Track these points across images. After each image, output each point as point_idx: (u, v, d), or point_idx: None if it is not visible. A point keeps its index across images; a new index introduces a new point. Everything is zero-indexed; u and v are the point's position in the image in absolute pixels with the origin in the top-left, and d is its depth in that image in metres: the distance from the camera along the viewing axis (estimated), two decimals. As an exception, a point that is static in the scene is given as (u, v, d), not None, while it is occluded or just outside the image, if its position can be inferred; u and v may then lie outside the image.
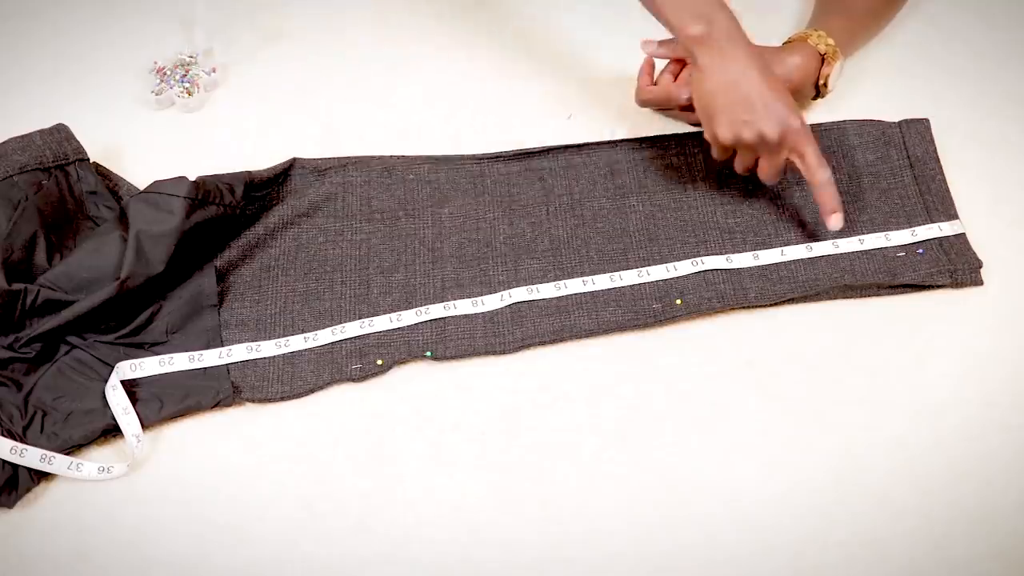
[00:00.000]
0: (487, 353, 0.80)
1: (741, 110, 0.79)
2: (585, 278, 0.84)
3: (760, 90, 0.79)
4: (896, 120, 0.92)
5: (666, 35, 0.90)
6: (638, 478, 0.74)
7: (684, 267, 0.84)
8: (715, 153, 0.84)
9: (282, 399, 0.78)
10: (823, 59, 0.90)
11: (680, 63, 0.92)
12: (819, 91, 0.92)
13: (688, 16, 0.79)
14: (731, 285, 0.82)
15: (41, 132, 0.86)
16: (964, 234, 0.84)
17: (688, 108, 0.91)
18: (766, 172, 0.83)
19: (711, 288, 0.82)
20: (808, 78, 0.90)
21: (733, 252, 0.85)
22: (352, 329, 0.81)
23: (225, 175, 0.84)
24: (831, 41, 0.89)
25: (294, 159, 0.90)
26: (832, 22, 0.92)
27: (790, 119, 0.79)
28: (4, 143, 0.85)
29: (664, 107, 0.93)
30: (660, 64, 0.92)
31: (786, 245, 0.85)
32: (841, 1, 0.94)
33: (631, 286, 0.83)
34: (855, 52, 0.96)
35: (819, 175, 0.80)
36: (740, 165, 0.84)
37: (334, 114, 0.97)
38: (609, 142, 0.92)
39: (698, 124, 0.93)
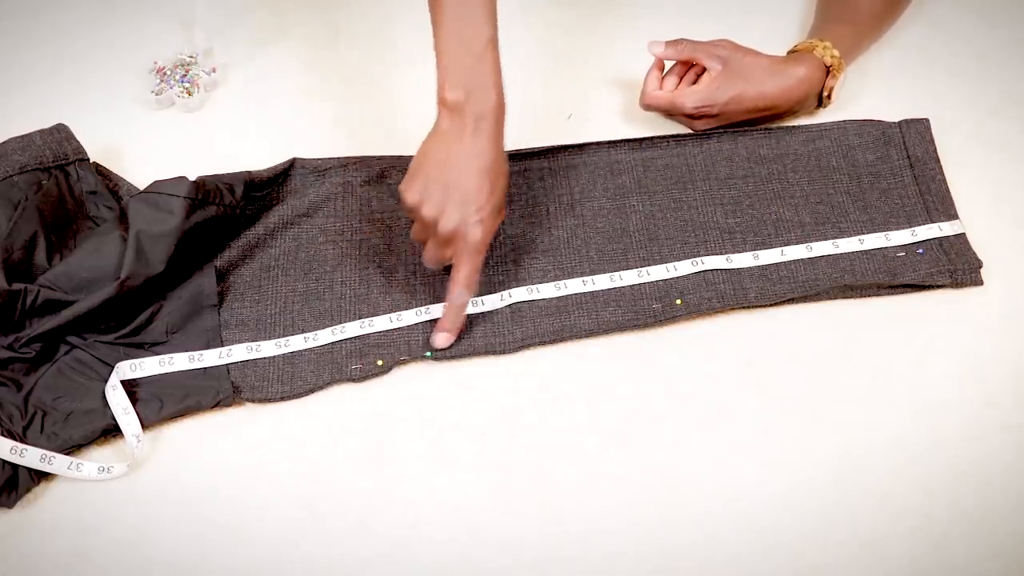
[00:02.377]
0: (487, 353, 0.80)
1: (438, 187, 0.75)
2: (585, 278, 0.84)
3: (470, 183, 0.75)
4: (896, 120, 0.92)
5: (672, 34, 0.90)
6: (638, 478, 0.74)
7: (684, 267, 0.84)
8: (404, 208, 0.79)
9: (282, 399, 0.78)
10: (828, 71, 0.90)
11: (686, 65, 0.92)
12: (822, 101, 0.92)
13: (455, 78, 0.75)
14: (731, 285, 0.82)
15: (41, 132, 0.86)
16: (964, 234, 0.85)
17: (692, 116, 0.91)
18: (427, 255, 0.79)
19: (711, 288, 0.82)
20: (813, 90, 0.90)
21: (733, 252, 0.85)
22: (352, 329, 0.81)
23: (225, 175, 0.84)
24: (836, 53, 0.89)
25: (294, 159, 0.90)
26: (836, 29, 0.92)
27: (472, 227, 0.75)
28: (4, 143, 0.85)
29: (668, 113, 0.93)
30: (669, 65, 0.93)
31: (786, 245, 0.85)
32: (845, 8, 0.94)
33: (631, 286, 0.83)
34: (858, 57, 0.96)
35: (455, 296, 0.77)
36: (413, 232, 0.80)
37: (334, 114, 0.97)
38: (609, 142, 0.92)
39: (702, 131, 0.93)
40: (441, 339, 0.79)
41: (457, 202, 0.75)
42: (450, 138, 0.76)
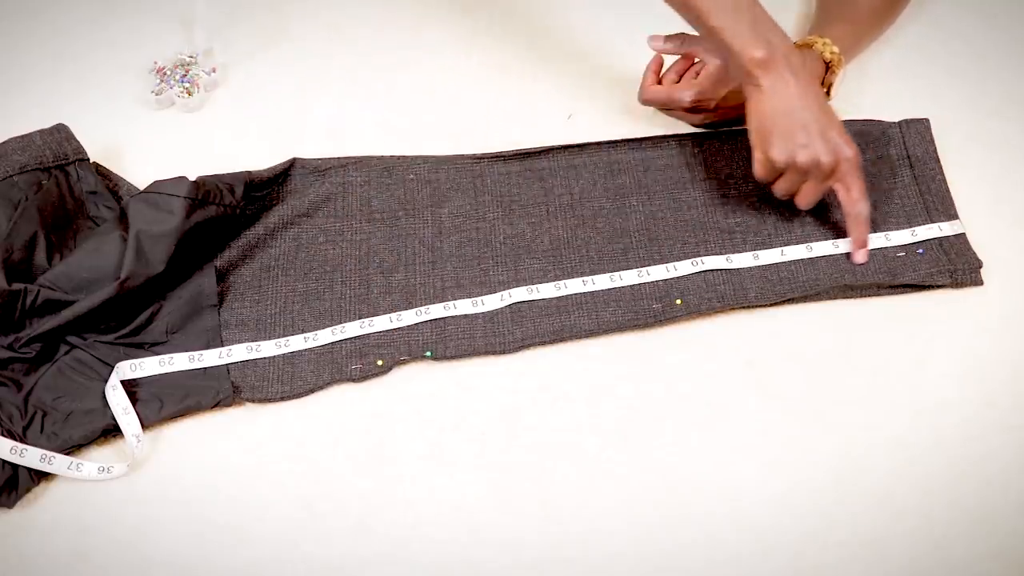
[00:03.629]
0: (487, 353, 0.80)
1: (800, 134, 0.79)
2: (585, 278, 0.84)
3: (819, 117, 0.79)
4: (896, 120, 0.92)
5: (672, 31, 0.90)
6: (638, 478, 0.74)
7: (684, 267, 0.84)
8: (760, 172, 0.83)
9: (282, 399, 0.78)
10: (828, 67, 0.90)
11: (686, 61, 0.92)
12: None
13: (750, 39, 0.79)
14: (731, 285, 0.82)
15: (41, 132, 0.86)
16: (964, 234, 0.85)
17: (690, 110, 0.91)
18: (807, 197, 0.83)
19: (711, 288, 0.82)
20: None
21: (733, 252, 0.85)
22: (352, 329, 0.81)
23: (225, 175, 0.84)
24: (836, 49, 0.89)
25: (294, 159, 0.90)
26: (836, 28, 0.92)
27: (845, 149, 0.80)
28: (4, 143, 0.85)
29: (666, 107, 0.93)
30: (668, 61, 0.93)
31: (786, 245, 0.85)
32: (845, 6, 0.94)
33: (631, 286, 0.83)
34: (858, 55, 0.96)
35: (860, 208, 0.81)
36: (782, 188, 0.83)
37: (334, 114, 0.97)
38: (609, 142, 0.92)
39: (700, 126, 0.93)
40: (862, 255, 0.83)
41: (821, 136, 0.79)
42: (777, 90, 0.80)
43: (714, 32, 0.80)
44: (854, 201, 0.81)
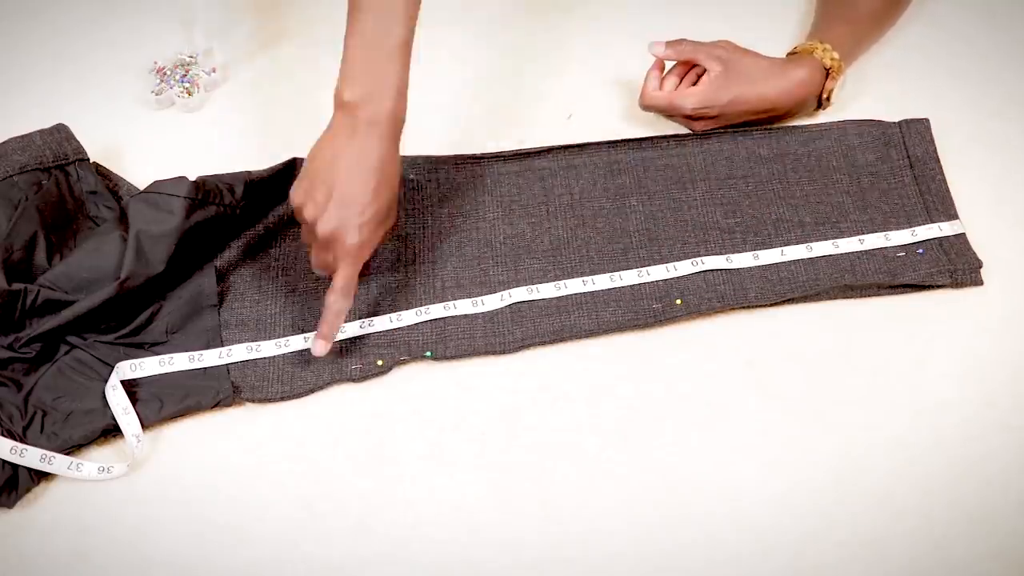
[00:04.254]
0: (487, 353, 0.80)
1: (321, 188, 0.73)
2: (585, 278, 0.84)
3: (353, 186, 0.73)
4: (896, 120, 0.92)
5: (673, 36, 0.90)
6: (638, 478, 0.74)
7: (684, 267, 0.84)
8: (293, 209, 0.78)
9: (282, 399, 0.78)
10: (827, 73, 0.90)
11: (686, 66, 0.92)
12: (821, 104, 0.92)
13: (354, 80, 0.73)
14: (731, 285, 0.82)
15: (41, 132, 0.86)
16: (964, 234, 0.84)
17: (691, 117, 0.91)
18: (312, 258, 0.78)
19: (711, 288, 0.82)
20: (812, 92, 0.90)
21: (733, 252, 0.85)
22: (352, 329, 0.81)
23: (225, 175, 0.84)
24: (836, 55, 0.89)
25: (294, 159, 0.89)
26: (836, 31, 0.92)
27: (350, 231, 0.73)
28: (4, 143, 0.85)
29: (667, 113, 0.93)
30: (669, 66, 0.93)
31: (786, 245, 0.85)
32: (845, 9, 0.94)
33: (631, 286, 0.83)
34: (858, 58, 0.96)
35: (332, 300, 0.75)
36: (302, 235, 0.78)
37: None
38: (609, 142, 0.92)
39: (701, 132, 0.93)
40: (318, 347, 0.76)
41: (338, 204, 0.73)
42: (339, 140, 0.74)
43: (344, 44, 0.75)
44: (332, 289, 0.75)
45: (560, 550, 0.71)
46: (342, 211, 0.73)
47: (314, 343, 0.77)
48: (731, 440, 0.75)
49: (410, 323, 0.81)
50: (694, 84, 0.91)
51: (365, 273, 0.78)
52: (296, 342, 0.81)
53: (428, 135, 0.94)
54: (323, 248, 0.75)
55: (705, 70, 0.90)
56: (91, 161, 0.87)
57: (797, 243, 0.85)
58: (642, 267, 0.84)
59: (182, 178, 0.82)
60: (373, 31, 0.73)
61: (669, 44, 0.90)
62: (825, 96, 0.91)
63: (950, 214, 0.86)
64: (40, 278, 0.79)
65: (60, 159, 0.86)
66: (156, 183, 0.82)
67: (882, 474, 0.73)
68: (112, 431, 0.76)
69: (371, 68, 0.73)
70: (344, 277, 0.75)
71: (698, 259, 0.84)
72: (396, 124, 0.75)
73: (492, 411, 0.78)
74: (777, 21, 1.02)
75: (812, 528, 0.71)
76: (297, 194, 0.76)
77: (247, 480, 0.75)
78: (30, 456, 0.73)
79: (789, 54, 0.93)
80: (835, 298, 0.82)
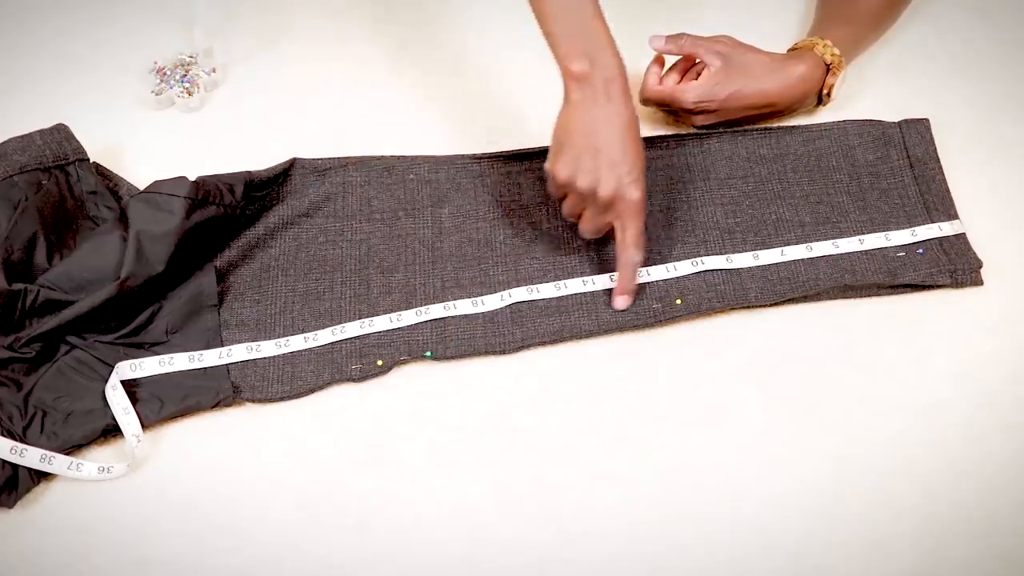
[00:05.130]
0: (487, 353, 0.80)
1: (588, 156, 0.76)
2: (585, 278, 0.84)
3: (616, 146, 0.76)
4: (896, 120, 0.92)
5: (674, 31, 0.90)
6: (638, 478, 0.74)
7: (684, 267, 0.84)
8: (550, 187, 0.82)
9: (282, 399, 0.78)
10: (828, 69, 0.90)
11: (688, 61, 0.92)
12: (822, 99, 0.92)
13: (574, 51, 0.76)
14: (731, 285, 0.83)
15: (41, 132, 0.86)
16: (964, 234, 0.85)
17: (692, 111, 0.91)
18: (585, 225, 0.80)
19: (711, 288, 0.82)
20: (813, 88, 0.90)
21: (733, 252, 0.85)
22: (352, 329, 0.81)
23: (225, 175, 0.84)
24: (836, 51, 0.89)
25: (294, 159, 0.90)
26: (837, 29, 0.92)
27: (629, 188, 0.76)
28: (4, 143, 0.85)
29: (667, 108, 0.93)
30: (669, 61, 0.93)
31: (786, 245, 0.85)
32: (845, 8, 0.94)
33: (631, 286, 0.83)
34: (858, 57, 0.96)
35: (630, 254, 0.78)
36: (566, 208, 0.81)
37: (334, 114, 0.97)
38: (609, 142, 0.92)
39: (701, 127, 0.93)
40: (621, 302, 0.81)
41: (609, 166, 0.76)
42: (586, 107, 0.77)
43: (548, 38, 0.78)
44: (626, 246, 0.78)
45: (560, 550, 0.71)
46: (616, 171, 0.76)
47: (616, 299, 0.81)
48: (731, 440, 0.75)
49: (410, 323, 0.81)
50: (694, 79, 0.91)
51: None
52: (296, 342, 0.81)
53: (428, 135, 0.94)
54: (602, 211, 0.78)
55: (705, 65, 0.90)
56: (91, 161, 0.87)
57: (797, 243, 0.85)
58: (642, 267, 0.84)
59: (182, 178, 0.82)
60: (568, 7, 0.77)
61: (669, 38, 0.90)
62: (825, 92, 0.91)
63: (950, 214, 0.86)
64: (40, 278, 0.79)
65: (60, 159, 0.86)
66: (156, 183, 0.82)
67: (882, 474, 0.73)
68: (112, 431, 0.76)
69: (584, 36, 0.77)
70: (635, 231, 0.78)
71: (698, 259, 0.84)
72: (624, 77, 0.78)
73: (492, 411, 0.78)
74: (777, 20, 1.02)
75: (812, 528, 0.71)
76: (562, 168, 0.78)
77: (247, 480, 0.75)
78: (30, 456, 0.73)
79: (790, 50, 0.93)
80: (835, 298, 0.82)
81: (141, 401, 0.77)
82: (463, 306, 0.82)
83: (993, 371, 0.78)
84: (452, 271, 0.85)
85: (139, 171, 0.90)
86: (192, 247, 0.82)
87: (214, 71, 0.99)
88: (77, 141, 0.87)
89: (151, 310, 0.80)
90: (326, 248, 0.86)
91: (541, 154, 0.91)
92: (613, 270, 0.84)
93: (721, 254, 0.84)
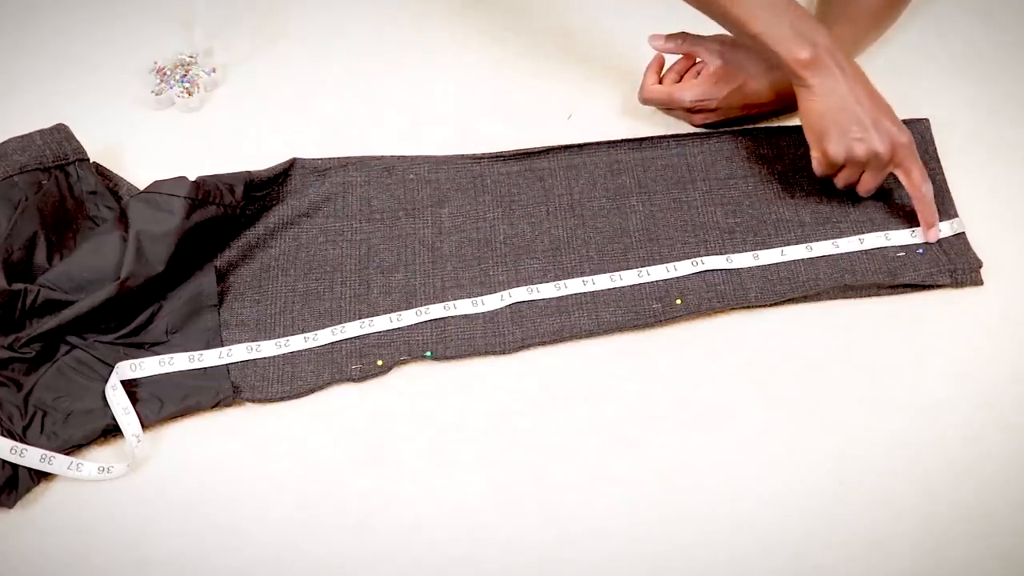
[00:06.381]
0: (487, 353, 0.80)
1: (855, 128, 0.80)
2: (585, 278, 0.84)
3: (870, 108, 0.81)
4: (896, 120, 0.92)
5: (673, 30, 0.90)
6: (638, 478, 0.74)
7: (684, 267, 0.84)
8: (819, 170, 0.84)
9: (282, 399, 0.78)
10: None
11: (688, 61, 0.92)
12: None
13: (793, 41, 0.80)
14: (731, 285, 0.83)
15: (41, 132, 0.86)
16: (964, 234, 0.85)
17: (691, 110, 0.91)
18: (868, 185, 0.84)
19: (711, 288, 0.82)
20: None
21: (733, 252, 0.85)
22: (352, 329, 0.81)
23: (225, 175, 0.84)
24: None
25: (294, 159, 0.90)
26: (837, 28, 0.92)
27: (900, 136, 0.81)
28: (4, 143, 0.85)
29: (667, 107, 0.93)
30: (669, 60, 0.93)
31: (786, 245, 0.85)
32: (845, 7, 0.94)
33: (631, 286, 0.83)
34: (859, 56, 0.96)
35: (923, 190, 0.82)
36: (843, 180, 0.85)
37: (334, 114, 0.97)
38: (609, 142, 0.92)
39: (700, 126, 0.93)
40: (933, 233, 0.84)
41: (875, 127, 0.80)
42: (829, 86, 0.80)
43: (757, 39, 0.81)
44: (916, 184, 0.82)
45: (560, 550, 0.71)
46: (881, 127, 0.81)
47: (928, 232, 0.84)
48: (731, 440, 0.75)
49: (410, 323, 0.81)
50: (694, 78, 0.91)
51: None
52: (296, 342, 0.81)
53: (428, 135, 0.94)
54: (883, 166, 0.82)
55: (705, 65, 0.90)
56: (91, 161, 0.87)
57: (797, 243, 0.85)
58: (642, 267, 0.84)
59: (182, 178, 0.82)
60: (766, 4, 0.81)
61: (668, 37, 0.90)
62: None
63: (950, 214, 0.86)
64: (40, 278, 0.79)
65: (60, 159, 0.86)
66: (156, 183, 0.82)
67: (882, 474, 0.73)
68: (112, 431, 0.76)
69: (791, 23, 0.80)
70: (918, 168, 0.82)
71: (698, 259, 0.84)
72: (838, 45, 0.82)
73: (492, 411, 0.78)
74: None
75: (812, 528, 0.71)
76: (836, 150, 0.81)
77: (247, 480, 0.75)
78: (30, 456, 0.73)
79: None
80: (835, 298, 0.82)
81: (141, 401, 0.77)
82: (463, 306, 0.82)
83: (993, 371, 0.78)
84: (452, 271, 0.85)
85: (139, 171, 0.90)
86: (192, 247, 0.82)
87: (214, 71, 0.99)
88: (77, 141, 0.87)
89: (151, 310, 0.80)
90: (326, 248, 0.86)
91: (541, 154, 0.91)
92: (613, 270, 0.84)
93: (721, 254, 0.84)
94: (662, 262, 0.84)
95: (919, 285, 0.82)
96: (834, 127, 0.81)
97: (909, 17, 1.00)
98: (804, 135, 0.91)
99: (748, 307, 0.82)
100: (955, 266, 0.82)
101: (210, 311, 0.82)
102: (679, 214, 0.87)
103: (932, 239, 0.84)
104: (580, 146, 0.91)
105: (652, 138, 0.92)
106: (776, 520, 0.71)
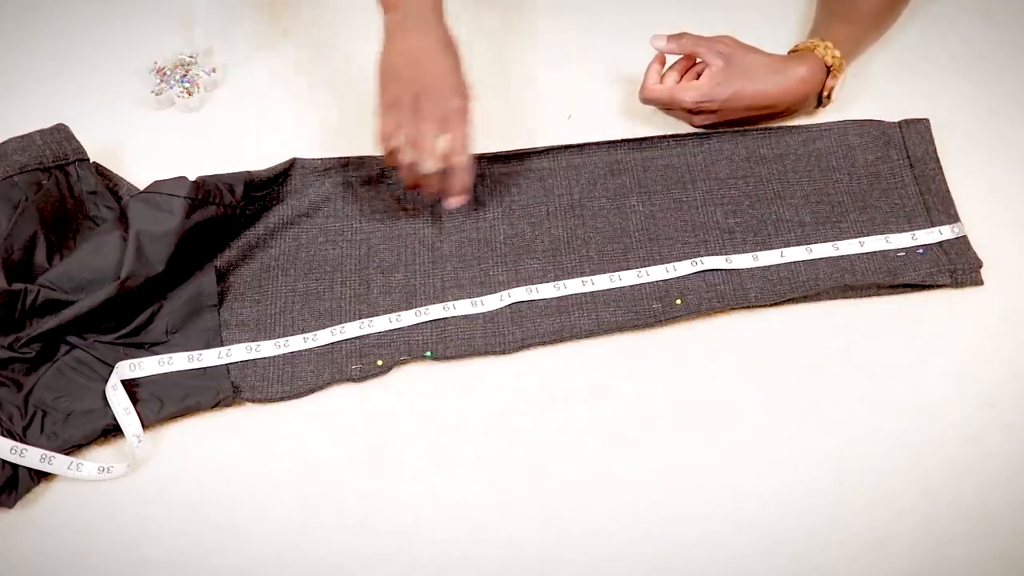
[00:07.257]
0: (487, 353, 0.80)
1: (409, 74, 0.81)
2: (585, 278, 0.84)
3: (433, 62, 0.81)
4: (896, 120, 0.92)
5: (674, 30, 0.90)
6: (638, 478, 0.74)
7: (684, 267, 0.84)
8: (379, 124, 0.83)
9: (282, 399, 0.78)
10: (828, 71, 0.90)
11: (689, 61, 0.92)
12: (821, 101, 0.92)
13: None
14: (731, 285, 0.83)
15: (41, 132, 0.86)
16: (964, 234, 0.85)
17: (691, 111, 0.91)
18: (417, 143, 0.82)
19: (711, 288, 0.82)
20: (813, 89, 0.90)
21: (733, 252, 0.85)
22: (352, 329, 0.81)
23: (225, 175, 0.84)
24: (837, 53, 0.89)
25: (294, 159, 0.90)
26: (837, 30, 0.92)
27: (452, 98, 0.80)
28: (4, 143, 0.85)
29: (667, 108, 0.93)
30: (670, 60, 0.93)
31: (786, 246, 0.85)
32: (846, 8, 0.94)
33: (631, 286, 0.83)
34: (858, 57, 0.96)
35: (459, 158, 0.81)
36: (392, 128, 0.83)
37: (334, 114, 0.97)
38: (609, 142, 0.92)
39: (701, 127, 0.93)
40: (454, 201, 0.83)
41: (431, 78, 0.81)
42: (400, 36, 0.83)
43: None
44: (456, 151, 0.81)
45: (560, 550, 0.71)
46: (442, 83, 0.81)
47: (449, 201, 0.83)
48: (731, 440, 0.75)
49: (410, 323, 0.81)
50: (695, 79, 0.91)
51: None
52: (296, 342, 0.81)
53: (428, 135, 0.94)
54: (443, 123, 0.81)
55: (706, 65, 0.90)
56: (91, 161, 0.87)
57: (797, 243, 0.85)
58: (642, 267, 0.84)
59: (182, 178, 0.82)
60: None
61: (671, 38, 0.90)
62: (826, 94, 0.91)
63: (950, 214, 0.86)
64: (40, 278, 0.79)
65: (60, 159, 0.86)
66: (156, 183, 0.82)
67: (882, 474, 0.73)
68: (112, 431, 0.76)
69: None
70: (463, 133, 0.81)
71: (698, 259, 0.84)
72: (437, 10, 0.84)
73: (492, 411, 0.78)
74: (777, 20, 1.02)
75: (812, 528, 0.71)
76: (386, 93, 0.82)
77: (247, 480, 0.75)
78: (30, 456, 0.73)
79: (791, 51, 0.93)
80: (835, 298, 0.82)
81: (141, 401, 0.77)
82: (463, 306, 0.82)
83: (993, 371, 0.78)
84: (452, 271, 0.85)
85: (139, 171, 0.90)
86: (192, 247, 0.82)
87: (214, 71, 0.99)
88: (77, 141, 0.87)
89: (151, 310, 0.80)
90: (326, 248, 0.86)
91: (541, 154, 0.91)
92: (613, 270, 0.84)
93: (721, 254, 0.84)
94: (662, 262, 0.84)
95: (919, 285, 0.82)
96: (395, 72, 0.82)
97: (909, 17, 1.00)
98: (803, 135, 0.91)
99: (748, 307, 0.82)
100: (955, 266, 0.82)
101: (210, 311, 0.82)
102: (679, 214, 0.87)
103: (449, 206, 0.84)
104: (580, 146, 0.91)
105: (652, 138, 0.92)
106: (776, 520, 0.71)
